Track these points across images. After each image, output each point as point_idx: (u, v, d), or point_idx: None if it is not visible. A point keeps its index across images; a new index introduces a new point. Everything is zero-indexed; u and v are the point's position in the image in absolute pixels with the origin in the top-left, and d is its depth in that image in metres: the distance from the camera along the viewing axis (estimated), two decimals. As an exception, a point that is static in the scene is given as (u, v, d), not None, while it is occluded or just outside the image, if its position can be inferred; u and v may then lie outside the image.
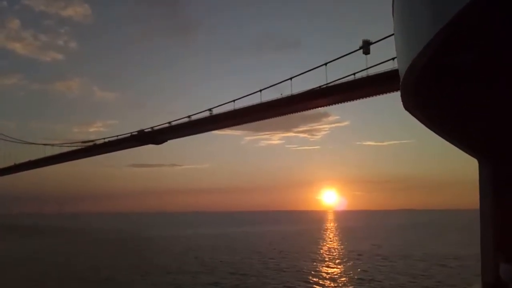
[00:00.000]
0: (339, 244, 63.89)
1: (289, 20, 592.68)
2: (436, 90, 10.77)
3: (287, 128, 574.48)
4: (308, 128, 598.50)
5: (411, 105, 12.54)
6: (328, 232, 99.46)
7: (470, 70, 9.20)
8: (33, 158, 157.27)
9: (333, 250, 55.10)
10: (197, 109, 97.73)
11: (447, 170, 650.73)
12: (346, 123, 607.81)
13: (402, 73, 10.95)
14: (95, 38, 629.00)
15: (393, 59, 74.25)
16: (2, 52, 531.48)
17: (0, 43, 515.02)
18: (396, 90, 78.38)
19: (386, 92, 78.71)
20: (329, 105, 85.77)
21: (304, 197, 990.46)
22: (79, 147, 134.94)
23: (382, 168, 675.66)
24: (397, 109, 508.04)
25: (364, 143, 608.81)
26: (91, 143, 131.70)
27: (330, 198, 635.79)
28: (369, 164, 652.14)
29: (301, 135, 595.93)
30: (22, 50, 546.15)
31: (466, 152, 16.81)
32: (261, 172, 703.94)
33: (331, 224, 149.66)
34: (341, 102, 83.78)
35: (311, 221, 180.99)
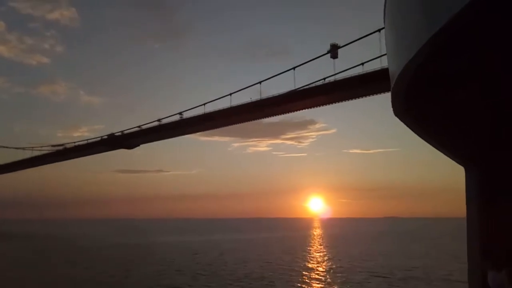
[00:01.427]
0: (307, 252, 62.53)
1: (279, 26, 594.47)
2: (427, 96, 10.74)
3: (275, 135, 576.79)
4: (296, 135, 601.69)
5: (401, 111, 12.55)
6: (310, 240, 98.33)
7: (461, 77, 9.15)
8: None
9: (300, 258, 54.08)
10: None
11: (433, 178, 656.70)
12: (333, 130, 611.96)
13: (393, 79, 11.00)
14: (82, 42, 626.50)
15: (362, 64, 73.56)
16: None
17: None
18: (364, 96, 77.36)
19: (354, 98, 77.47)
20: (297, 110, 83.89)
21: (291, 204, 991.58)
22: (48, 151, 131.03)
23: (368, 176, 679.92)
24: (383, 118, 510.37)
25: (350, 151, 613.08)
26: (60, 147, 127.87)
27: (317, 206, 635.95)
28: (356, 171, 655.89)
29: (289, 142, 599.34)
30: (7, 53, 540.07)
31: (453, 160, 16.62)
32: (249, 179, 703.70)
33: (314, 232, 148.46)
34: (309, 108, 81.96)
35: (296, 229, 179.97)
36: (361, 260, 49.85)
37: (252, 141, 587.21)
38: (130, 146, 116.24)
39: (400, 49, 9.95)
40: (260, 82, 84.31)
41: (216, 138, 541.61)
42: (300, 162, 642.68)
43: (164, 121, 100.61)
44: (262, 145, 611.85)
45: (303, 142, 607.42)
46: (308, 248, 70.87)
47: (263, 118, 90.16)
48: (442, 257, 53.01)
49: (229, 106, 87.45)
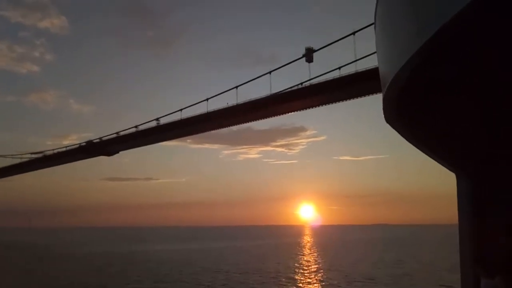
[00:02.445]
0: (293, 259, 61.70)
1: (268, 33, 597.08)
2: (420, 103, 10.69)
3: (265, 142, 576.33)
4: (286, 142, 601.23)
5: (393, 118, 12.42)
6: (300, 247, 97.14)
7: (454, 83, 9.13)
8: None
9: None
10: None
11: (424, 185, 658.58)
12: (323, 137, 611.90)
13: (384, 85, 10.95)
14: (71, 50, 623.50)
15: (339, 68, 72.82)
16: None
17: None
18: (338, 101, 76.49)
19: (330, 102, 76.72)
20: (273, 116, 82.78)
21: (282, 211, 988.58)
22: (28, 159, 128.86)
23: (359, 183, 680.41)
24: (374, 125, 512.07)
25: (341, 158, 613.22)
26: (40, 155, 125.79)
27: (307, 213, 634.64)
28: (346, 179, 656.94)
29: (279, 149, 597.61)
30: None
31: (444, 166, 16.45)
32: (239, 186, 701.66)
33: (304, 239, 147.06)
34: (285, 113, 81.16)
35: (286, 236, 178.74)
36: (348, 266, 48.87)
37: (242, 148, 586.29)
38: (109, 153, 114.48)
39: (392, 53, 9.89)
40: (236, 87, 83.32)
41: (206, 146, 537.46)
42: (290, 169, 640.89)
43: (141, 127, 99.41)
44: (253, 152, 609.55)
45: (293, 149, 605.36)
46: (298, 255, 69.76)
47: (242, 123, 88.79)
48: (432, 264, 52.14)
49: (206, 112, 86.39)
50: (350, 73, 69.26)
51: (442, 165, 16.39)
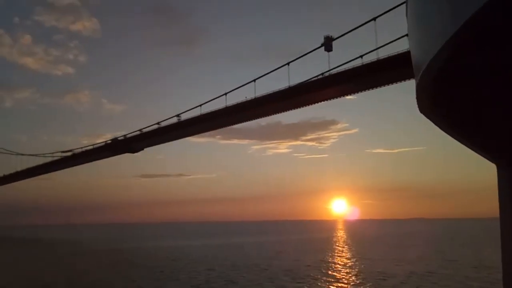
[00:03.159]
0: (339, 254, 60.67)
1: (293, 29, 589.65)
2: (455, 91, 10.45)
3: (295, 137, 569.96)
4: (316, 136, 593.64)
5: (427, 108, 12.35)
6: (335, 242, 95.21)
7: (491, 70, 8.79)
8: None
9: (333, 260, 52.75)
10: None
11: (463, 177, 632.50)
12: (355, 130, 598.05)
13: (418, 74, 10.82)
14: (103, 51, 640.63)
15: (361, 56, 70.04)
16: (14, 67, 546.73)
17: (12, 58, 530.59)
18: (363, 90, 73.73)
19: (357, 91, 74.23)
20: (293, 108, 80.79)
21: (313, 206, 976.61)
22: (58, 158, 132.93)
23: (393, 176, 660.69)
24: (408, 116, 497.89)
25: (373, 151, 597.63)
26: (69, 153, 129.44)
27: (340, 207, 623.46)
28: (380, 172, 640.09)
29: (309, 143, 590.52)
30: (34, 65, 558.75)
31: (484, 157, 15.82)
32: (269, 181, 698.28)
33: (334, 234, 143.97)
34: (305, 106, 79.03)
35: (318, 231, 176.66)
36: (369, 262, 47.01)
37: (271, 143, 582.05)
38: (134, 150, 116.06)
39: (424, 41, 9.72)
40: (254, 80, 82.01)
41: (235, 141, 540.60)
42: (321, 164, 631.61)
43: (164, 123, 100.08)
44: (282, 147, 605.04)
45: (324, 143, 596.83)
46: (325, 250, 68.45)
47: (261, 117, 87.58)
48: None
49: (225, 106, 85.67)
50: (380, 58, 66.00)
51: (482, 155, 15.74)
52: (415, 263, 47.92)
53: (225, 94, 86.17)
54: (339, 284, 33.98)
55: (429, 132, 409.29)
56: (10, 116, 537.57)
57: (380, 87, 72.28)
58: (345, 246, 79.57)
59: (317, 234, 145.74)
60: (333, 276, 38.22)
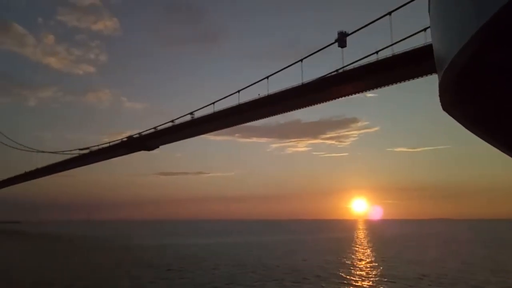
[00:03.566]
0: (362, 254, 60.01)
1: (315, 27, 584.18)
2: (478, 88, 10.32)
3: (314, 135, 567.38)
4: (336, 134, 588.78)
5: (450, 105, 12.25)
6: (351, 242, 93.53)
7: None
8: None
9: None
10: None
11: (488, 176, 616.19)
12: (375, 128, 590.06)
13: (441, 70, 10.75)
14: (123, 50, 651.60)
15: (376, 52, 68.67)
16: (38, 67, 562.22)
17: (36, 58, 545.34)
18: (379, 86, 72.19)
19: (371, 88, 72.80)
20: (307, 106, 79.86)
21: (333, 205, 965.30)
22: (76, 155, 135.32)
23: (416, 175, 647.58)
24: (431, 114, 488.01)
25: (395, 150, 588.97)
26: (86, 151, 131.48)
27: (360, 207, 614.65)
28: (402, 171, 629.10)
29: (329, 141, 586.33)
30: (57, 64, 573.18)
31: (509, 155, 15.79)
32: (288, 180, 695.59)
33: (352, 234, 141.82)
34: (319, 103, 78.00)
35: (337, 230, 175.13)
36: (378, 264, 46.06)
37: (290, 141, 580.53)
38: (149, 148, 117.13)
39: (447, 37, 9.65)
40: (267, 77, 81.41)
41: (254, 139, 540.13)
42: (341, 163, 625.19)
43: (177, 121, 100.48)
44: (301, 145, 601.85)
45: (344, 142, 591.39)
46: (341, 250, 67.73)
47: (274, 114, 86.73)
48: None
49: (237, 104, 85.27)
50: (396, 53, 64.44)
51: (507, 154, 15.62)
52: (429, 265, 46.59)
53: (238, 91, 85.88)
54: (341, 286, 33.23)
55: (453, 131, 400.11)
56: (34, 114, 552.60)
57: (398, 83, 70.75)
58: (360, 246, 78.18)
59: (334, 233, 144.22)
60: (338, 277, 37.32)
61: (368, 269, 43.66)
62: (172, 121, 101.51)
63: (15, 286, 34.66)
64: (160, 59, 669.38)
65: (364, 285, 33.53)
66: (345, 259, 53.07)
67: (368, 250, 68.58)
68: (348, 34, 71.24)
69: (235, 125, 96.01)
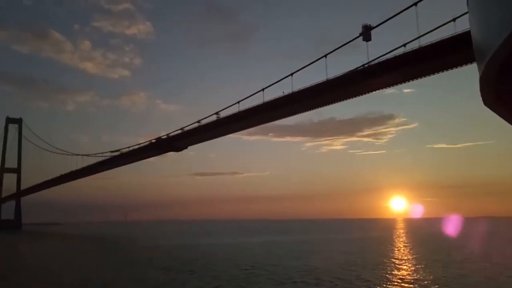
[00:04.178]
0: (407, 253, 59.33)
1: (346, 20, 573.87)
2: None
3: (350, 133, 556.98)
4: (373, 131, 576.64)
5: (492, 100, 11.81)
6: (383, 241, 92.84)
7: None
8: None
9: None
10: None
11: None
12: (414, 125, 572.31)
13: (481, 64, 10.40)
14: (156, 53, 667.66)
15: (404, 45, 66.40)
16: (75, 72, 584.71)
17: (73, 64, 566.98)
18: (411, 79, 69.58)
19: (401, 82, 70.46)
20: (332, 103, 78.40)
21: (371, 204, 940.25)
22: (107, 157, 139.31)
23: (458, 172, 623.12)
24: (472, 108, 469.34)
25: (435, 146, 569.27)
26: (118, 153, 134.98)
27: (399, 205, 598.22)
28: (441, 168, 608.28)
29: (365, 139, 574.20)
30: (93, 69, 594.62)
31: None
32: (324, 179, 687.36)
33: (391, 233, 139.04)
34: (345, 99, 76.34)
35: (373, 229, 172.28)
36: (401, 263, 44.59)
37: (325, 140, 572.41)
38: (178, 148, 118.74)
39: (489, 26, 9.11)
40: (291, 74, 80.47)
41: (288, 139, 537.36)
42: (378, 160, 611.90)
43: (204, 121, 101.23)
44: (337, 144, 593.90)
45: (381, 139, 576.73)
46: (375, 250, 67.31)
47: (299, 112, 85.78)
48: None
49: (262, 102, 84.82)
50: (431, 42, 61.56)
51: None
52: (455, 265, 44.60)
53: (263, 90, 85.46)
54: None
55: (495, 125, 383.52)
56: (72, 118, 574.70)
57: (431, 75, 67.77)
58: (390, 246, 76.07)
59: (368, 232, 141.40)
60: (358, 278, 36.24)
61: (389, 269, 42.11)
62: (199, 121, 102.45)
63: (55, 284, 36.49)
64: (192, 60, 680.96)
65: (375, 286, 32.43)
66: (368, 259, 51.64)
67: (397, 250, 66.60)
68: (373, 27, 69.21)
69: (260, 124, 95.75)
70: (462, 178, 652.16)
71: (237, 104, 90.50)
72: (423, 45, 62.54)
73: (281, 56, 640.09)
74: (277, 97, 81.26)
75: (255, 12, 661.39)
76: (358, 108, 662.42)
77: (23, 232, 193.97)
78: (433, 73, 67.89)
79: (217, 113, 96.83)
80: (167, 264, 49.94)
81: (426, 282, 34.05)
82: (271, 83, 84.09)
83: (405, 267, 44.87)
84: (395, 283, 33.82)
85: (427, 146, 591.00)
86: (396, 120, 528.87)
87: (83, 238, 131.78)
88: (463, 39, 55.13)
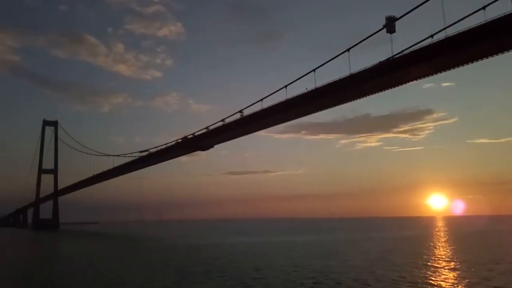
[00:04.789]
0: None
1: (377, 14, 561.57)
2: None
3: (386, 129, 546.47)
4: (409, 127, 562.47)
5: None
6: (415, 240, 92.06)
7: None
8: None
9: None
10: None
11: None
12: (453, 119, 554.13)
13: None
14: (187, 53, 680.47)
15: (431, 36, 63.67)
16: (110, 74, 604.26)
17: (107, 66, 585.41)
18: (442, 71, 66.41)
19: (431, 74, 67.37)
20: (357, 98, 76.37)
21: (408, 202, 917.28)
22: (137, 157, 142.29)
23: (501, 168, 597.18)
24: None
25: (476, 141, 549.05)
26: (146, 153, 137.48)
27: (439, 203, 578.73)
28: (483, 164, 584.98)
29: (402, 135, 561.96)
30: (126, 71, 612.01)
31: None
32: (358, 177, 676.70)
33: (427, 231, 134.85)
34: (370, 94, 74.17)
35: (407, 228, 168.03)
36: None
37: (360, 136, 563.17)
38: (203, 148, 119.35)
39: None
40: (314, 70, 78.89)
41: (321, 136, 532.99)
42: (416, 157, 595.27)
43: (227, 120, 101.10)
44: (372, 141, 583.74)
45: (418, 135, 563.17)
46: (403, 249, 65.53)
47: (323, 109, 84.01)
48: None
49: (284, 99, 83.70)
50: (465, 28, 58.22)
51: None
52: (480, 267, 42.25)
53: (285, 86, 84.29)
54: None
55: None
56: (107, 120, 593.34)
57: (465, 64, 64.12)
58: (422, 245, 73.49)
59: (401, 231, 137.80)
60: (378, 280, 34.92)
61: (414, 270, 40.30)
62: (223, 120, 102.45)
63: (89, 281, 37.84)
64: (223, 60, 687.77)
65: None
66: (395, 260, 49.96)
67: (429, 250, 64.16)
68: (397, 19, 66.75)
69: (283, 121, 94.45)
70: (506, 174, 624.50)
71: (260, 101, 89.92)
72: (458, 32, 59.14)
73: (312, 54, 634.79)
74: (296, 95, 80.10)
75: (286, 10, 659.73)
76: (394, 103, 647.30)
77: (60, 231, 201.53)
78: (467, 63, 64.36)
79: (240, 111, 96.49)
80: (203, 262, 51.33)
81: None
82: (294, 80, 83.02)
83: (453, 266, 43.35)
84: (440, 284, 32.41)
85: (467, 141, 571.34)
86: (434, 115, 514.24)
87: (118, 237, 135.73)
88: (496, 27, 52.42)
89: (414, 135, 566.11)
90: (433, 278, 35.61)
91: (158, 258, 59.32)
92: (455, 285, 32.51)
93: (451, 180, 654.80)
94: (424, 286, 32.31)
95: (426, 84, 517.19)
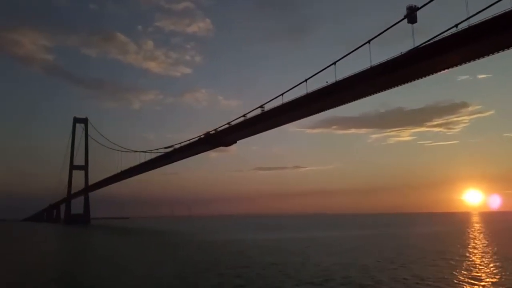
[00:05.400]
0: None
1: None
2: None
3: (419, 123, 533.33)
4: (444, 121, 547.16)
5: None
6: (445, 236, 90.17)
7: None
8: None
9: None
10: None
11: None
12: (490, 112, 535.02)
13: None
14: (216, 49, 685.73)
15: (456, 26, 61.77)
16: (140, 71, 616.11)
17: (138, 64, 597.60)
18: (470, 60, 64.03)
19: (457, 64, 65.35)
20: (381, 91, 75.21)
21: (443, 197, 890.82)
22: (162, 153, 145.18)
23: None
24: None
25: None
26: (171, 149, 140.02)
27: (475, 198, 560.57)
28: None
29: (436, 129, 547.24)
30: (156, 68, 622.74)
31: None
32: (391, 172, 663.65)
33: (459, 227, 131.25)
34: (393, 87, 72.77)
35: (441, 224, 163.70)
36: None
37: (392, 131, 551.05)
38: (226, 143, 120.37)
39: None
40: (334, 63, 78.13)
41: (352, 131, 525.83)
42: (451, 151, 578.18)
43: (249, 115, 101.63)
44: (405, 135, 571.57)
45: (453, 128, 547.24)
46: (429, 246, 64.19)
47: (344, 103, 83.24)
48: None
49: (305, 94, 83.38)
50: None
51: None
52: (492, 265, 40.91)
53: (306, 80, 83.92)
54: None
55: None
56: (138, 116, 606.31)
57: (495, 53, 61.57)
58: (449, 242, 71.73)
59: (434, 227, 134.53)
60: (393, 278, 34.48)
61: (432, 269, 39.45)
62: (244, 115, 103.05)
63: (119, 275, 38.43)
64: (252, 55, 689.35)
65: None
66: (418, 257, 49.10)
67: (455, 247, 62.47)
68: (418, 8, 65.12)
69: (305, 116, 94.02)
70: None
71: (281, 96, 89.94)
72: (486, 18, 56.69)
73: (342, 48, 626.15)
74: (316, 89, 79.70)
75: (315, 4, 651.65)
76: (427, 96, 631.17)
77: (91, 226, 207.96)
78: (498, 51, 61.76)
79: (261, 106, 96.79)
80: (236, 258, 50.81)
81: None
82: (314, 73, 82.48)
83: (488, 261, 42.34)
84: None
85: (505, 134, 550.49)
86: (470, 108, 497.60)
87: (147, 232, 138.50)
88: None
89: (449, 128, 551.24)
90: (470, 274, 34.96)
91: (188, 253, 59.68)
92: (488, 283, 31.79)
93: (487, 175, 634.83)
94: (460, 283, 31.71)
95: (461, 76, 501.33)
